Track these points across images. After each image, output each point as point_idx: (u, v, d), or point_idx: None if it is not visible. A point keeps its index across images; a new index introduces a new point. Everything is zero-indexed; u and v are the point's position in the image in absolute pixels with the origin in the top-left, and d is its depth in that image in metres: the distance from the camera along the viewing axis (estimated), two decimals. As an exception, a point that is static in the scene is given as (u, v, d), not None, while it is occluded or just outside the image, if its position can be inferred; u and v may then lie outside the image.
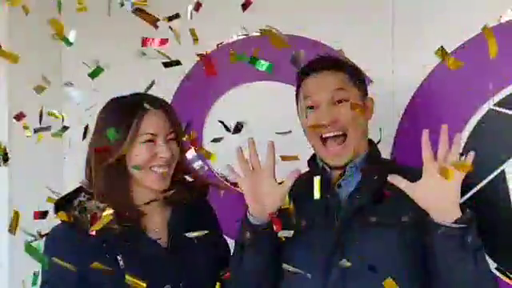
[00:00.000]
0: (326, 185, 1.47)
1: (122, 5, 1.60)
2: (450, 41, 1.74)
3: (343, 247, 1.39)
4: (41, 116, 1.62)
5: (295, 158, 1.39)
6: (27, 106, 1.82)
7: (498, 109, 1.70)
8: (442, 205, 1.26)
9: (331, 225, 1.41)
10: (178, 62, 1.47)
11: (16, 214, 1.27)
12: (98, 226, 1.31)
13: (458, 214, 1.25)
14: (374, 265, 1.33)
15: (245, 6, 1.69)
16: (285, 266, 1.38)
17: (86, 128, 1.47)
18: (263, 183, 1.38)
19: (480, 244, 1.30)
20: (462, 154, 1.30)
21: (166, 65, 1.47)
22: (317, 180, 1.35)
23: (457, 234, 1.24)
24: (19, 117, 1.61)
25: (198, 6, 1.58)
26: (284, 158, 1.39)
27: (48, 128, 1.52)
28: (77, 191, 1.50)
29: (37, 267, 1.44)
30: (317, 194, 1.35)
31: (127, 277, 1.27)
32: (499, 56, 1.69)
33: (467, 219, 1.25)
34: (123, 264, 1.40)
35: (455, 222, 1.25)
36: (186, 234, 1.31)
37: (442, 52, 1.24)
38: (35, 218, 1.42)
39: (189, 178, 1.50)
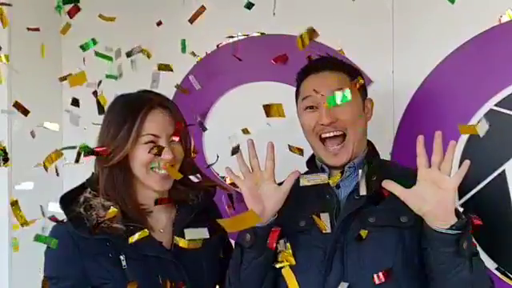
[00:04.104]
0: (324, 185, 1.47)
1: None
2: (449, 41, 1.75)
3: (342, 248, 1.39)
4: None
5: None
6: (27, 102, 1.83)
7: (498, 109, 1.70)
8: (436, 211, 1.25)
9: (330, 225, 1.41)
10: None
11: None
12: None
13: (453, 219, 1.25)
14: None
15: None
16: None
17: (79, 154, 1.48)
18: (263, 185, 1.38)
19: (476, 249, 1.30)
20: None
21: None
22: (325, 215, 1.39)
23: (452, 240, 1.24)
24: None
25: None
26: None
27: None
28: (82, 187, 1.49)
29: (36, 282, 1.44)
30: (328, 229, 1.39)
31: None
32: (499, 56, 1.70)
33: (462, 225, 1.25)
34: (126, 264, 1.40)
35: (450, 228, 1.24)
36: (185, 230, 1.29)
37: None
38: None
39: (194, 179, 1.48)
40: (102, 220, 1.39)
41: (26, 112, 1.60)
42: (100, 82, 1.86)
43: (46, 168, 1.40)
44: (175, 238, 1.39)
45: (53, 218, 1.41)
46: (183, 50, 1.90)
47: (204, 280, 1.48)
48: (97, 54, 1.79)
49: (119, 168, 1.44)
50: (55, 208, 1.40)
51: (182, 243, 1.35)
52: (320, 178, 1.36)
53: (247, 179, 1.39)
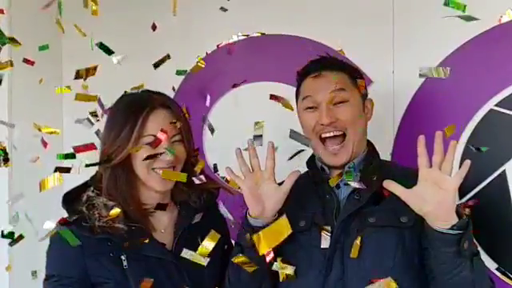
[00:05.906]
0: (325, 185, 1.47)
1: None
2: (449, 41, 1.75)
3: (342, 248, 1.39)
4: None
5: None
6: (27, 106, 1.83)
7: (498, 109, 1.70)
8: (437, 212, 1.24)
9: (330, 225, 1.41)
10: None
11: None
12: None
13: (454, 219, 1.24)
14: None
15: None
16: None
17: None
18: (263, 185, 1.38)
19: (476, 249, 1.30)
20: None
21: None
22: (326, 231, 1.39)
23: (453, 240, 1.24)
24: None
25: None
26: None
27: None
28: (85, 185, 1.49)
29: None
30: (325, 244, 1.39)
31: None
32: (499, 56, 1.70)
33: (463, 225, 1.24)
34: (127, 264, 1.40)
35: (451, 228, 1.24)
36: (187, 251, 1.27)
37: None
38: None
39: (196, 180, 1.48)
40: (103, 220, 1.39)
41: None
42: (99, 98, 1.86)
43: (40, 189, 1.38)
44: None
45: (61, 220, 1.41)
46: (183, 72, 1.91)
47: (205, 281, 1.47)
48: (99, 45, 1.79)
49: (121, 168, 1.44)
50: (50, 226, 1.39)
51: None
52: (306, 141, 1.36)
53: (247, 179, 1.38)
